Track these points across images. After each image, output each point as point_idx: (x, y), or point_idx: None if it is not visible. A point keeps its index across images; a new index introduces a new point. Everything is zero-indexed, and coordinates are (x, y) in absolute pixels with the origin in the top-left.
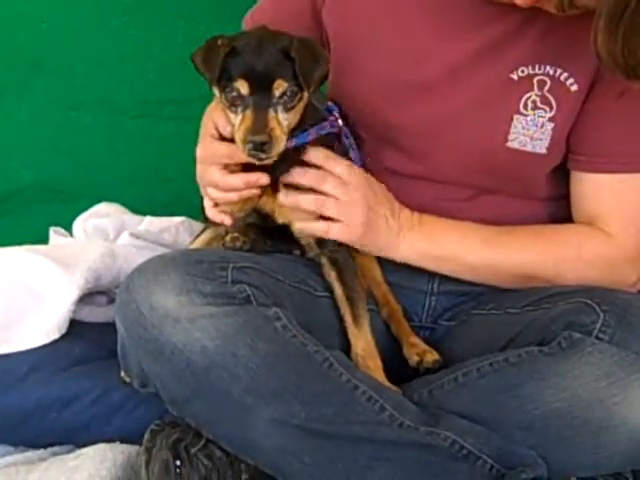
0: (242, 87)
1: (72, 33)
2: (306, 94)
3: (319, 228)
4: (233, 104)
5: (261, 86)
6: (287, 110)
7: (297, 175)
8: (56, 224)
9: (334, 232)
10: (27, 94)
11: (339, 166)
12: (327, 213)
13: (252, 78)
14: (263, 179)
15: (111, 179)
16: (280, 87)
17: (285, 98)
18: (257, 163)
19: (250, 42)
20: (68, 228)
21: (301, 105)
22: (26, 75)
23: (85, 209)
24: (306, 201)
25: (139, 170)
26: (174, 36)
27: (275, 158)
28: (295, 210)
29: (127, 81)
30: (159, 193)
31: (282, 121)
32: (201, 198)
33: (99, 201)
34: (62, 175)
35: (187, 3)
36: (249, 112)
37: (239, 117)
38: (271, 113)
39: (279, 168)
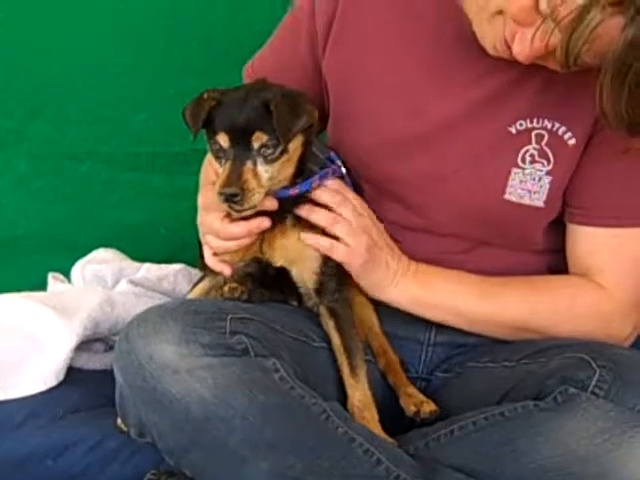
0: (223, 140)
1: (66, 82)
2: (290, 147)
3: (324, 243)
4: (217, 156)
5: (240, 139)
6: (268, 162)
7: (319, 193)
8: (53, 271)
9: (338, 251)
10: (25, 142)
11: (354, 198)
12: (337, 231)
13: (232, 131)
14: (265, 223)
15: (106, 229)
16: (258, 139)
17: (265, 151)
18: (234, 215)
19: (236, 96)
20: (65, 275)
21: (286, 157)
22: (24, 122)
23: (81, 256)
24: (320, 214)
25: (133, 221)
26: (166, 89)
27: (252, 211)
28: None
29: (119, 134)
30: (153, 244)
31: (261, 174)
32: (200, 246)
33: (95, 249)
34: (58, 224)
35: (180, 55)
36: (227, 165)
37: (221, 169)
38: (248, 165)
39: (281, 217)
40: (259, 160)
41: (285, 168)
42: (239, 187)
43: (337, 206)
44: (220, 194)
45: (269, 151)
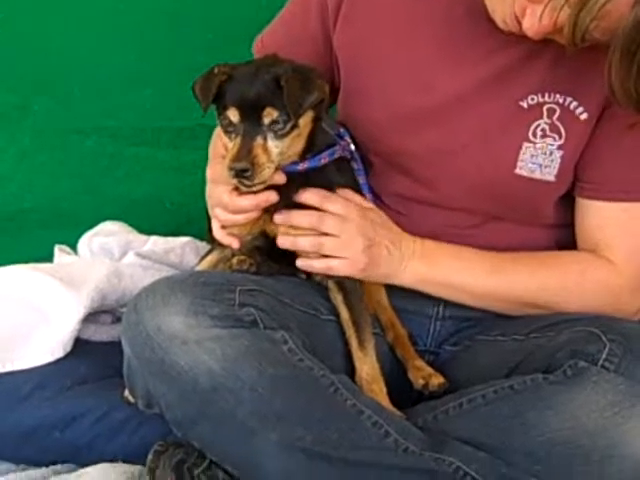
0: (233, 115)
1: (71, 56)
2: (300, 122)
3: (319, 267)
4: (227, 131)
5: (251, 114)
6: (278, 138)
7: (293, 216)
8: (59, 244)
9: (336, 268)
10: (28, 116)
11: (336, 204)
12: (326, 251)
13: (243, 106)
14: (272, 197)
15: (112, 203)
16: (269, 115)
17: (276, 126)
18: (243, 189)
19: (247, 71)
20: (71, 248)
21: (296, 133)
22: (27, 97)
23: (88, 230)
24: (304, 242)
25: (139, 196)
26: (172, 64)
27: (262, 186)
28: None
29: (125, 108)
30: (160, 218)
31: (271, 148)
32: (208, 219)
33: (101, 223)
34: (63, 198)
35: (187, 31)
36: (237, 139)
37: (231, 144)
38: (258, 140)
39: (290, 192)
40: (269, 135)
41: (295, 143)
42: (249, 162)
43: (318, 225)
44: (230, 169)
45: (279, 126)
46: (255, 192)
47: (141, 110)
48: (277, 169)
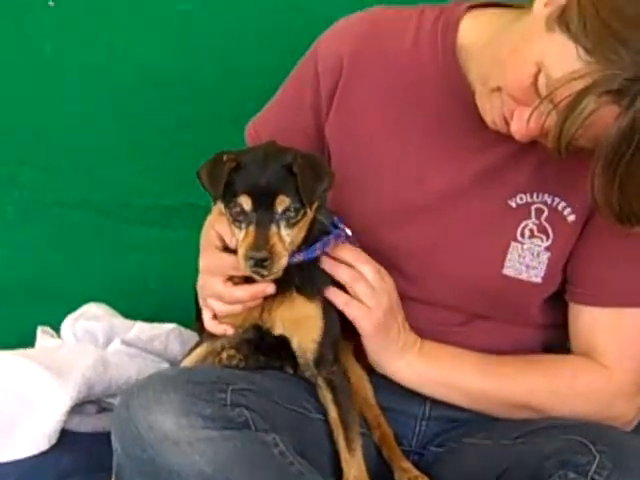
0: (245, 203)
1: (58, 129)
2: (309, 210)
3: (342, 298)
4: (237, 219)
5: (264, 202)
6: (290, 226)
7: (340, 249)
8: (42, 323)
9: (354, 309)
10: (14, 189)
11: (373, 262)
12: (358, 289)
13: (255, 194)
14: (270, 288)
15: (96, 280)
16: (282, 203)
17: (288, 214)
18: (259, 280)
19: (255, 158)
20: (53, 326)
21: (305, 221)
22: (12, 169)
23: (71, 309)
24: (343, 270)
25: (123, 274)
26: (158, 141)
27: (277, 275)
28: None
29: (111, 183)
30: (143, 299)
31: (284, 237)
32: (197, 309)
33: (85, 301)
34: (47, 273)
35: (173, 109)
36: (251, 228)
37: (242, 232)
38: (273, 229)
39: (284, 284)
40: (282, 224)
41: (302, 232)
42: (268, 251)
43: (361, 264)
44: (249, 258)
45: (291, 214)
46: (250, 283)
47: (128, 186)
48: None
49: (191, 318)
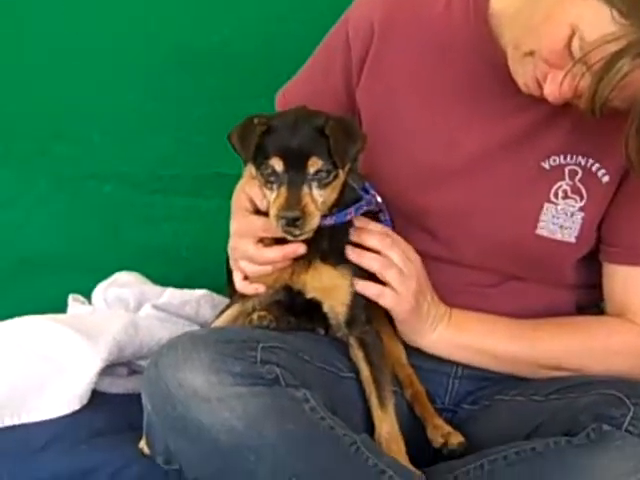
0: (277, 164)
1: (90, 103)
2: (341, 172)
3: (374, 290)
4: (268, 181)
5: (296, 163)
6: (322, 187)
7: (365, 235)
8: (74, 292)
9: (387, 298)
10: (46, 162)
11: (400, 240)
12: (388, 277)
13: (287, 156)
14: (301, 249)
15: (128, 250)
16: (314, 165)
17: (320, 175)
18: (291, 239)
19: (286, 121)
20: (85, 297)
21: (337, 183)
22: (45, 143)
23: (103, 278)
24: (371, 259)
25: (156, 243)
26: (189, 113)
27: (309, 234)
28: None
29: (142, 155)
30: (175, 266)
31: (316, 198)
32: (228, 272)
33: (117, 271)
34: (79, 244)
35: (204, 81)
36: (283, 189)
37: (274, 193)
38: (305, 190)
39: (315, 246)
40: (314, 185)
41: (333, 194)
42: (300, 210)
43: (387, 249)
44: (281, 217)
45: (323, 175)
46: (281, 243)
47: (159, 157)
48: None
49: (223, 285)
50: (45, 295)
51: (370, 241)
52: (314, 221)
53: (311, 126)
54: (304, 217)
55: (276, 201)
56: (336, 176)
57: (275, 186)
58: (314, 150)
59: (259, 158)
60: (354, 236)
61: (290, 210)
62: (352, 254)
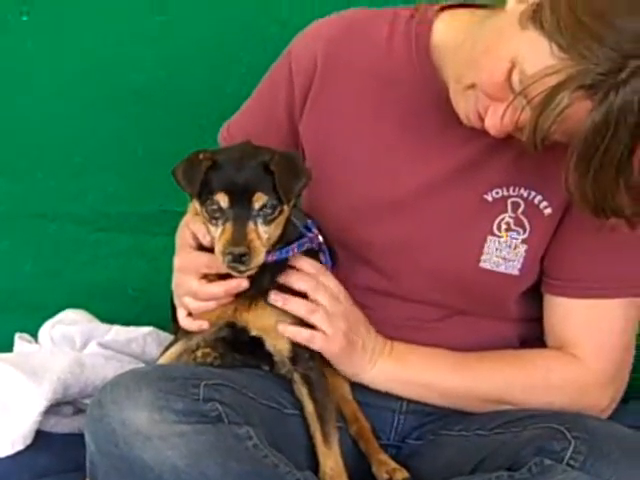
0: (222, 200)
1: (32, 140)
2: (286, 207)
3: (304, 335)
4: (213, 217)
5: (241, 199)
6: (267, 223)
7: (293, 277)
8: (20, 331)
9: (317, 342)
10: None
11: (330, 280)
12: (314, 320)
13: (232, 191)
14: (244, 283)
15: (74, 289)
16: (260, 200)
17: (265, 211)
18: (236, 275)
19: (231, 156)
20: (32, 336)
21: (281, 218)
22: None
23: (49, 317)
24: (297, 304)
25: (102, 281)
26: (133, 150)
27: (254, 270)
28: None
29: (87, 193)
30: (122, 304)
31: (262, 234)
32: (173, 309)
33: (63, 309)
34: (24, 284)
35: (147, 116)
36: (229, 224)
37: (219, 229)
38: (250, 225)
39: (258, 282)
40: (259, 220)
41: (277, 230)
42: (246, 246)
43: (313, 292)
44: (227, 254)
45: (268, 211)
46: (224, 279)
47: (103, 195)
48: None
49: (169, 322)
50: None
51: (297, 284)
52: (260, 257)
53: (256, 162)
54: (250, 253)
55: (222, 237)
56: (281, 212)
57: (220, 222)
58: (259, 186)
59: (204, 194)
60: (281, 278)
61: (236, 246)
62: (278, 299)
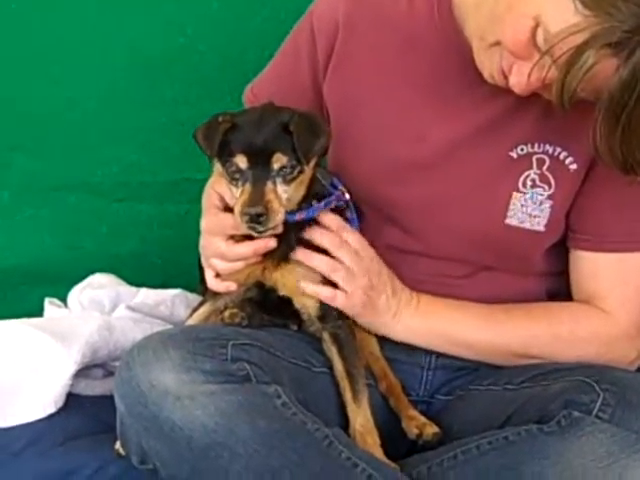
0: (241, 161)
1: (51, 114)
2: (307, 168)
3: (326, 294)
4: (234, 178)
5: (260, 160)
6: (287, 183)
7: (316, 234)
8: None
9: (339, 300)
10: (9, 174)
11: (353, 235)
12: (336, 278)
13: (251, 152)
14: (271, 243)
15: (97, 260)
16: (279, 161)
17: (284, 171)
18: (255, 235)
19: (251, 118)
20: (62, 301)
21: (302, 178)
22: (7, 155)
23: (67, 291)
24: (320, 261)
25: (125, 251)
26: (156, 118)
27: (274, 231)
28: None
29: (107, 164)
30: (148, 272)
31: (281, 194)
32: (200, 270)
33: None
34: (47, 256)
35: (169, 85)
36: (247, 185)
37: (239, 190)
38: (269, 186)
39: (285, 241)
40: (278, 181)
41: (299, 190)
42: (263, 207)
43: (336, 250)
44: (244, 214)
45: (288, 171)
46: (251, 239)
47: (124, 165)
48: None
49: (197, 285)
50: (20, 303)
51: (320, 240)
52: (278, 217)
53: (276, 122)
54: (267, 213)
55: (240, 198)
56: (301, 172)
57: (240, 183)
58: (278, 146)
59: (224, 156)
60: (306, 234)
61: (253, 206)
62: (300, 255)
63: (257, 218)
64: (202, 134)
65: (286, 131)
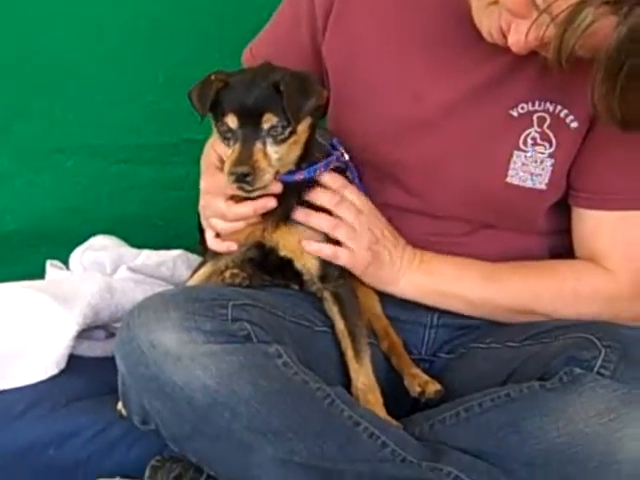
0: (232, 121)
1: (50, 77)
2: (299, 128)
3: (327, 251)
4: (225, 137)
5: (250, 120)
6: (277, 143)
7: (316, 193)
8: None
9: (342, 257)
10: (8, 138)
11: (354, 194)
12: (338, 236)
13: (241, 112)
14: (271, 202)
15: (98, 222)
16: (268, 121)
17: (275, 131)
18: (243, 195)
19: (244, 77)
20: (64, 263)
21: (295, 139)
22: (6, 119)
23: (68, 254)
24: (320, 219)
25: (126, 213)
26: (155, 79)
27: (264, 191)
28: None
29: (106, 126)
30: (149, 233)
31: (271, 154)
32: (201, 231)
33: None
34: (47, 219)
35: (168, 47)
36: (237, 145)
37: (230, 150)
38: (258, 146)
39: (286, 201)
40: (268, 141)
41: (293, 150)
42: (250, 166)
43: (336, 207)
44: (231, 173)
45: (279, 132)
46: (252, 199)
47: (123, 127)
48: (275, 178)
49: (198, 246)
50: (21, 266)
51: (320, 199)
52: (265, 177)
53: (267, 82)
54: (254, 173)
55: (229, 158)
56: (292, 132)
57: (231, 143)
58: (268, 106)
59: (216, 116)
60: (306, 195)
61: (240, 166)
62: (300, 215)
63: (244, 178)
64: (196, 93)
65: (277, 91)
